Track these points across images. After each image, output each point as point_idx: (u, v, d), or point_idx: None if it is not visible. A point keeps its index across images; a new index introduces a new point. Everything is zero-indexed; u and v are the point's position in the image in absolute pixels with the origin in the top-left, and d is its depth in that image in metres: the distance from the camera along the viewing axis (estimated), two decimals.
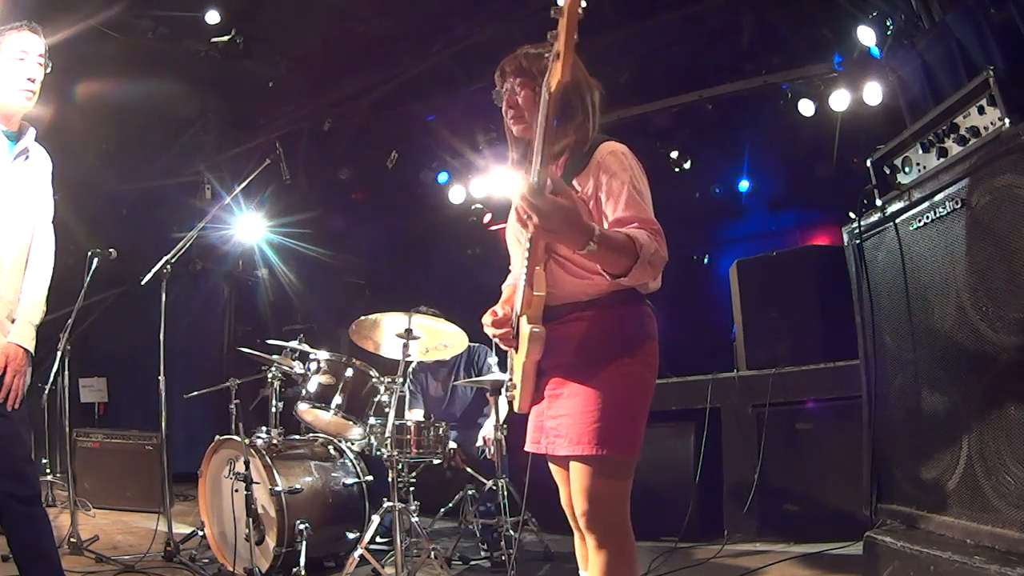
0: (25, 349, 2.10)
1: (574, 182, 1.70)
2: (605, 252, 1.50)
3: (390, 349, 3.49)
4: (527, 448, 1.87)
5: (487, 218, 6.52)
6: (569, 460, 1.73)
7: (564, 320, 1.73)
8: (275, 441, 3.36)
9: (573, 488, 1.71)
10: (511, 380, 1.85)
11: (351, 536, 3.39)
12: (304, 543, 3.05)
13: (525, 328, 1.71)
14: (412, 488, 3.41)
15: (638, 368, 1.72)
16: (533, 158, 1.44)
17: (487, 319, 1.90)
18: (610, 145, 1.74)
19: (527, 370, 1.79)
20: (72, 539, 3.52)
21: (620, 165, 1.68)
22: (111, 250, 3.55)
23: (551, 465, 1.90)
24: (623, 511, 1.73)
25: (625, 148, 1.74)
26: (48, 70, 2.18)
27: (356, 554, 2.96)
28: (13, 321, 2.12)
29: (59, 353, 3.53)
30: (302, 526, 3.08)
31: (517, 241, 1.76)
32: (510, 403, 1.88)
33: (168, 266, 3.56)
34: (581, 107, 1.74)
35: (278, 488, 3.12)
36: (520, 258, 1.72)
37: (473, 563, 3.57)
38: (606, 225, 1.63)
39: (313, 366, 3.50)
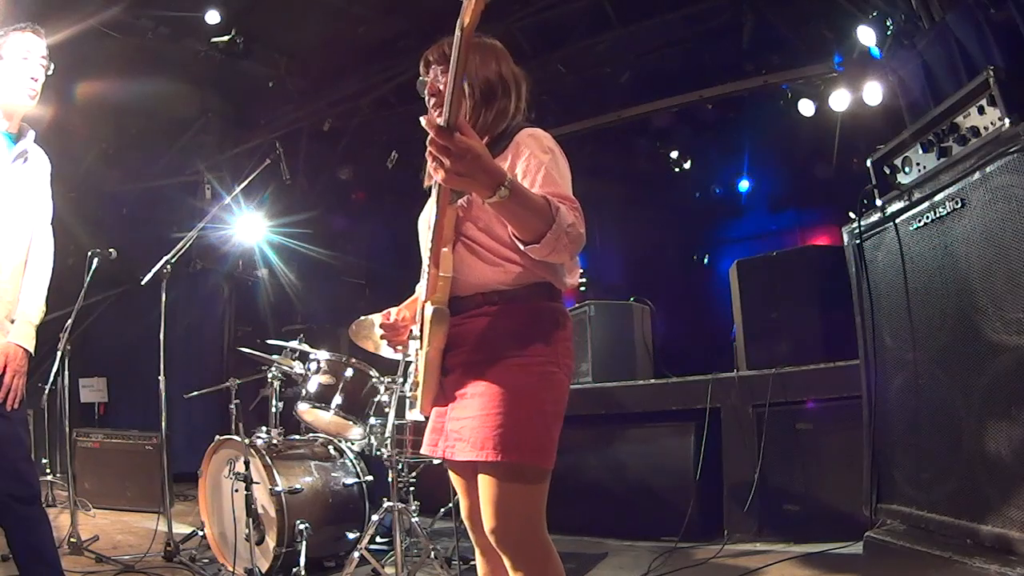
0: (25, 349, 2.10)
1: None
2: (516, 206, 1.38)
3: (390, 349, 3.48)
4: (423, 450, 1.70)
5: None
6: (473, 468, 1.57)
7: (472, 313, 1.60)
8: (275, 441, 3.36)
9: (481, 501, 1.54)
10: (414, 379, 1.68)
11: (351, 536, 3.39)
12: (304, 543, 3.05)
13: (429, 310, 1.56)
14: (412, 488, 3.41)
15: (550, 368, 1.57)
16: (443, 100, 1.31)
17: (377, 317, 1.81)
18: (532, 129, 1.65)
19: (430, 360, 1.61)
20: (72, 539, 3.52)
21: (539, 146, 1.59)
22: (111, 250, 3.55)
23: (450, 472, 1.74)
24: (538, 526, 1.54)
25: (548, 135, 1.65)
26: (50, 72, 2.20)
27: (356, 554, 2.95)
28: (13, 321, 2.12)
29: (59, 353, 3.53)
30: (302, 526, 3.08)
31: (428, 226, 1.61)
32: (412, 405, 1.70)
33: (168, 266, 3.56)
34: (503, 92, 1.68)
35: (278, 488, 3.12)
36: (427, 243, 1.59)
37: (473, 563, 3.57)
38: None
39: (313, 366, 3.50)
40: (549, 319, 1.60)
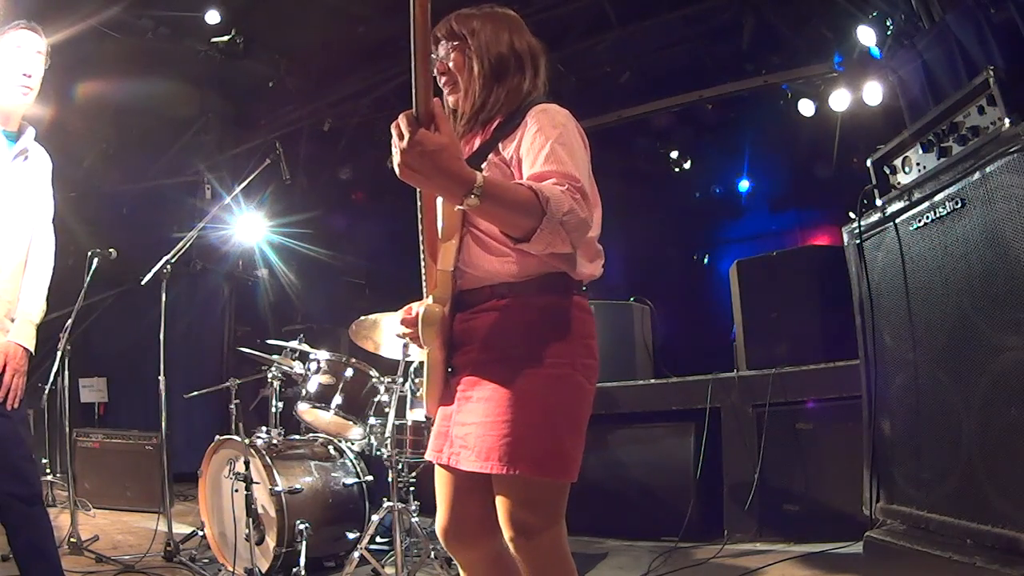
0: (25, 348, 2.10)
1: (499, 146, 1.49)
2: (495, 208, 1.26)
3: (390, 349, 3.49)
4: (427, 456, 1.60)
5: None
6: (476, 476, 1.46)
7: (480, 308, 1.48)
8: (275, 441, 3.36)
9: (499, 513, 1.45)
10: (419, 379, 1.59)
11: (351, 536, 3.38)
12: (304, 543, 3.05)
13: (421, 307, 1.46)
14: (412, 488, 3.41)
15: (567, 371, 1.44)
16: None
17: (401, 314, 1.63)
18: (544, 105, 1.50)
19: (432, 361, 1.51)
20: (72, 539, 3.52)
21: (549, 121, 1.44)
22: (111, 250, 3.54)
23: (436, 475, 1.63)
24: (558, 539, 1.46)
25: (564, 110, 1.50)
26: (47, 65, 2.17)
27: (356, 554, 2.96)
28: (13, 320, 2.12)
29: (59, 353, 3.53)
30: (302, 526, 3.08)
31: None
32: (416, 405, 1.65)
33: (168, 266, 3.55)
34: (516, 67, 1.56)
35: (278, 488, 3.12)
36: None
37: None
38: None
39: (313, 366, 3.50)
40: (563, 315, 1.47)
